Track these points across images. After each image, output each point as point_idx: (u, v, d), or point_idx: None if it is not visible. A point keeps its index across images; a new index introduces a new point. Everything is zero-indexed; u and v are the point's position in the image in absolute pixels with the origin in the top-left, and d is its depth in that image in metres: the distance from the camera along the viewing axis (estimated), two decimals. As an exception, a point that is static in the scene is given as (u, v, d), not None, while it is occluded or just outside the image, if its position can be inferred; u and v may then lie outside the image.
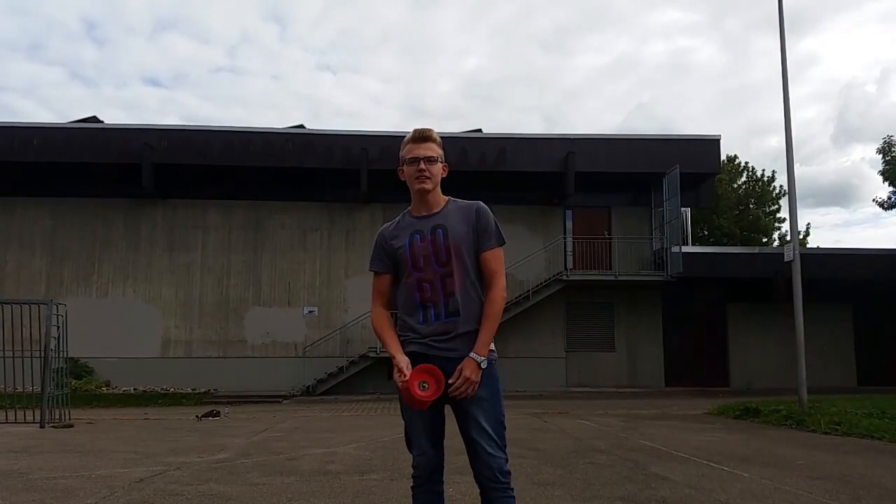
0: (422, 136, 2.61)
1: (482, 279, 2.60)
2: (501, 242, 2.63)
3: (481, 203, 2.65)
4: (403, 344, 2.55)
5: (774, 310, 18.61)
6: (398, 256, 2.60)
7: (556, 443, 7.64)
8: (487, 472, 2.46)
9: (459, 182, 2.42)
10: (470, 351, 2.47)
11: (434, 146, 2.62)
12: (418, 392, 2.39)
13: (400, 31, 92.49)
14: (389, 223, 2.72)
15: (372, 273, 2.72)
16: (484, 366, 2.46)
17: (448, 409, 2.57)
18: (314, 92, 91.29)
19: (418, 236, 2.58)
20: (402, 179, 2.67)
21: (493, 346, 2.56)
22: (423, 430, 2.55)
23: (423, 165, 2.57)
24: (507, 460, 2.49)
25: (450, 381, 2.42)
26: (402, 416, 2.62)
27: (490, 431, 2.47)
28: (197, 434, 9.19)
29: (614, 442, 7.83)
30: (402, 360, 2.46)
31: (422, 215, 2.63)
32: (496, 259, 2.61)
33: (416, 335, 2.53)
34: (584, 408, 13.23)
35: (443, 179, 2.66)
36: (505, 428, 2.54)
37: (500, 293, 2.57)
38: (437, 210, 2.63)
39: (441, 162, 2.64)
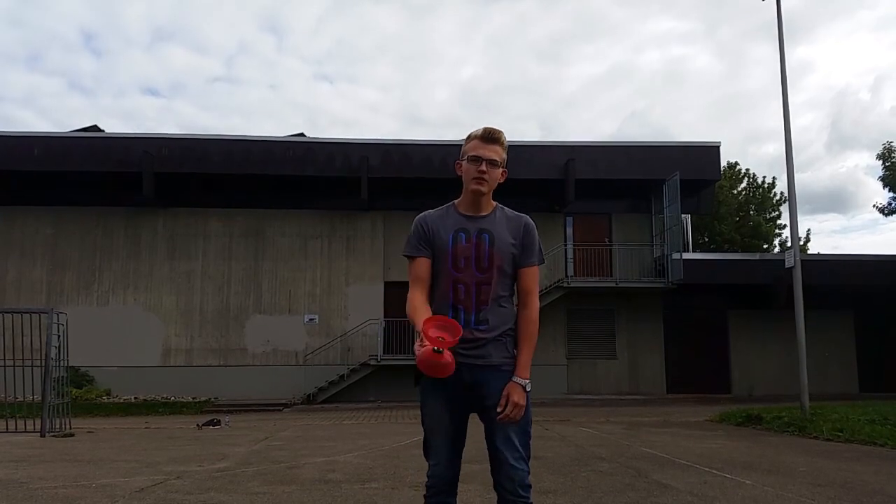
0: (490, 137, 2.52)
1: (518, 294, 2.57)
2: (541, 261, 2.59)
3: (529, 218, 2.61)
4: None
5: (775, 316, 18.59)
6: (436, 248, 2.52)
7: (557, 450, 7.61)
8: (508, 484, 2.41)
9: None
10: (499, 357, 2.45)
11: (500, 150, 2.54)
12: (439, 357, 2.15)
13: (396, 41, 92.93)
14: (432, 211, 2.62)
15: (407, 260, 2.57)
16: (528, 389, 2.42)
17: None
18: (312, 101, 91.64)
19: (463, 235, 2.51)
20: (458, 174, 2.59)
21: None
22: (445, 440, 2.48)
23: (484, 167, 2.49)
24: (528, 472, 2.45)
25: (497, 409, 2.38)
26: (423, 424, 2.55)
27: (516, 443, 2.42)
28: (197, 443, 9.16)
29: (616, 449, 7.81)
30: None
31: (469, 215, 2.56)
32: (533, 277, 2.57)
33: None
34: (585, 415, 13.19)
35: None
36: (530, 438, 2.50)
37: (535, 313, 2.54)
38: (485, 213, 2.56)
39: (502, 167, 2.56)
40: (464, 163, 2.55)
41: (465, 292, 2.46)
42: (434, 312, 2.44)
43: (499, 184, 2.58)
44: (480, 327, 2.45)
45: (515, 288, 2.60)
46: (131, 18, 78.86)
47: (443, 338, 2.18)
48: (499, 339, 2.47)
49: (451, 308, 2.47)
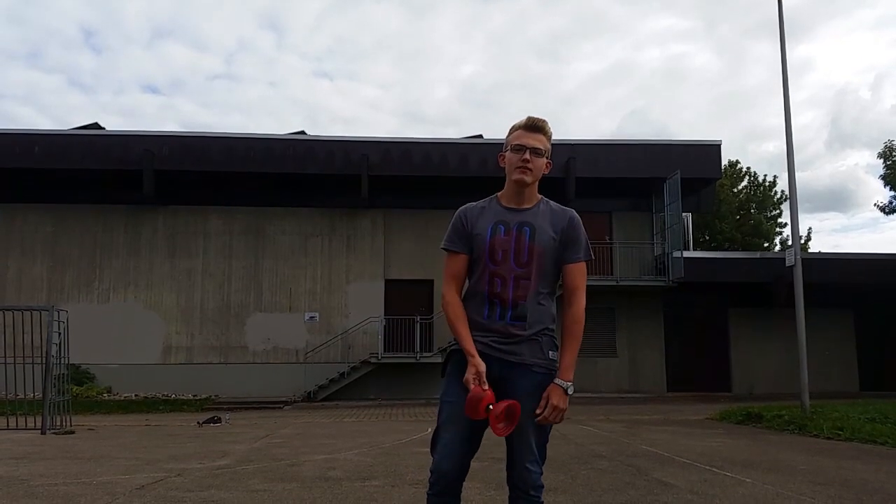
0: (534, 126, 2.45)
1: (563, 292, 2.49)
2: (588, 257, 2.49)
3: (575, 212, 2.51)
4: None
5: (776, 315, 18.59)
6: (475, 242, 2.43)
7: (557, 448, 7.61)
8: (521, 484, 2.39)
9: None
10: (532, 357, 2.38)
11: (544, 139, 2.46)
12: (495, 423, 2.23)
13: (396, 38, 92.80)
14: (474, 203, 2.54)
15: (445, 253, 2.49)
16: (570, 392, 2.34)
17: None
18: (312, 98, 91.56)
19: (502, 227, 2.42)
20: (501, 166, 2.52)
21: (553, 357, 2.45)
22: (458, 436, 2.38)
23: (528, 156, 2.41)
24: (541, 474, 2.42)
25: (537, 411, 2.32)
26: (438, 417, 2.46)
27: (533, 447, 2.38)
28: (198, 440, 9.17)
29: (616, 447, 7.81)
30: (480, 365, 2.29)
31: (511, 207, 2.47)
32: (581, 273, 2.47)
33: (478, 332, 2.39)
34: (585, 413, 13.18)
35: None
36: (548, 441, 2.46)
37: (581, 313, 2.45)
38: (528, 206, 2.47)
39: (547, 158, 2.48)
40: (507, 153, 2.48)
41: (501, 285, 2.39)
42: (469, 305, 2.44)
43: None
44: (517, 323, 2.39)
45: (560, 286, 2.52)
46: (131, 15, 78.89)
47: (500, 417, 2.23)
48: (534, 338, 2.40)
49: (487, 301, 2.41)
